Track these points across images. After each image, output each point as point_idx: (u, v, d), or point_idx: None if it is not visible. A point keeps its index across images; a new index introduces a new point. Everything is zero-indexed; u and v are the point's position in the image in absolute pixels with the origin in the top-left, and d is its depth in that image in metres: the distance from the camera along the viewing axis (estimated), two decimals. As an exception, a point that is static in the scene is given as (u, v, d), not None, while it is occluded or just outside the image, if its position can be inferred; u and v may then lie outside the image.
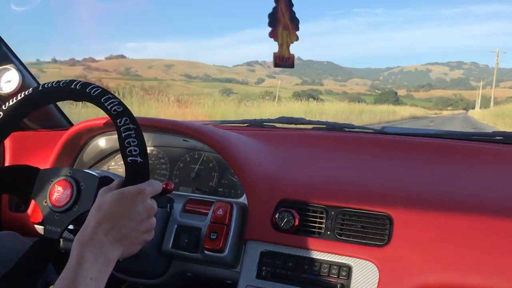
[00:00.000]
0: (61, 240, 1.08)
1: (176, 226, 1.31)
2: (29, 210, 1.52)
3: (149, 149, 1.60)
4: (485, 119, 37.36)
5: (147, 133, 1.50)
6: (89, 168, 1.60)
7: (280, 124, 1.86)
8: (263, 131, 1.75)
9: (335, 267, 1.15)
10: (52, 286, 1.24)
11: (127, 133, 0.99)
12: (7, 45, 1.84)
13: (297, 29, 1.01)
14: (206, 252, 1.26)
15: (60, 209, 1.07)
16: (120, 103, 1.02)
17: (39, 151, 1.71)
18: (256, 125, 1.86)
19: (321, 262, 1.17)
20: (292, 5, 1.02)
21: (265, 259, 1.22)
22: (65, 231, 1.08)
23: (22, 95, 1.11)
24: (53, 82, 1.10)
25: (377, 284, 1.10)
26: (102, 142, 1.59)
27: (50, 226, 1.07)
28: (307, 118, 1.86)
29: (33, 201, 1.47)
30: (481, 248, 1.06)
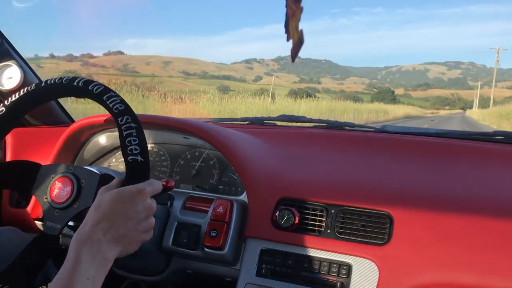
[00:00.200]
0: (60, 236, 1.08)
1: (176, 223, 1.32)
2: (30, 206, 1.52)
3: (149, 146, 1.61)
4: (486, 119, 36.02)
5: (148, 130, 1.50)
6: (90, 164, 1.60)
7: (281, 122, 1.85)
8: (264, 129, 1.75)
9: (335, 265, 1.15)
10: (49, 284, 1.24)
11: (128, 131, 0.99)
12: (9, 42, 1.84)
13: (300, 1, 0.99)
14: (206, 249, 1.26)
15: (60, 206, 1.08)
16: (122, 101, 1.02)
17: (40, 147, 1.71)
18: (256, 123, 1.86)
19: (321, 260, 1.17)
20: None
21: (265, 257, 1.22)
22: (65, 227, 1.08)
23: (25, 91, 1.11)
24: (55, 78, 1.10)
25: (377, 283, 1.10)
26: (103, 139, 1.59)
27: (50, 222, 1.07)
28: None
29: (33, 197, 1.47)
30: (482, 248, 1.07)
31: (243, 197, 1.36)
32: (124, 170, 1.00)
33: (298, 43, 1.04)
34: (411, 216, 1.15)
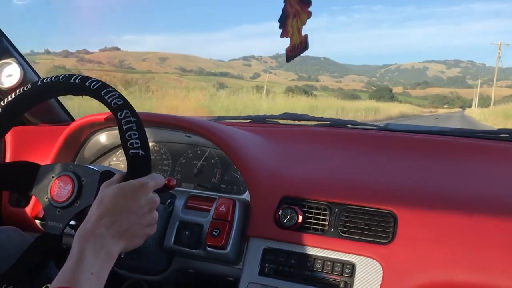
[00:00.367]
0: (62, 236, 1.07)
1: (178, 222, 1.31)
2: (30, 206, 1.51)
3: (150, 144, 1.60)
4: (488, 119, 32.86)
5: (149, 128, 1.49)
6: (90, 164, 1.59)
7: (283, 120, 1.85)
8: (266, 127, 1.74)
9: (338, 264, 1.15)
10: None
11: (128, 126, 0.98)
12: (8, 39, 1.83)
13: (310, 4, 0.97)
14: (208, 248, 1.25)
15: (61, 205, 1.07)
16: (120, 96, 1.01)
17: (40, 146, 1.70)
18: (259, 121, 1.85)
19: (324, 259, 1.16)
20: None
21: (268, 256, 1.21)
22: (67, 227, 1.08)
23: (21, 91, 1.10)
24: (52, 76, 1.09)
25: (380, 282, 1.09)
26: (103, 138, 1.58)
27: (52, 222, 1.06)
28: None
29: (34, 197, 1.46)
30: (487, 247, 1.06)
31: (246, 196, 1.35)
32: (125, 169, 0.99)
33: (299, 46, 1.02)
34: (415, 215, 1.14)
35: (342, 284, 1.13)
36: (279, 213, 1.23)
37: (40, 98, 1.13)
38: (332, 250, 1.17)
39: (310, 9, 0.99)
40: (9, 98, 1.11)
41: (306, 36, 1.01)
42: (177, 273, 1.38)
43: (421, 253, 1.09)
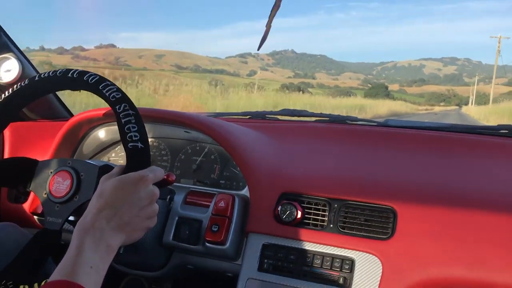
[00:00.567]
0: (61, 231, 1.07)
1: (177, 218, 1.31)
2: (29, 201, 1.51)
3: (150, 140, 1.59)
4: (488, 119, 29.86)
5: (148, 124, 1.49)
6: (89, 159, 1.59)
7: (283, 116, 1.85)
8: (266, 123, 1.74)
9: (337, 260, 1.15)
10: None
11: (127, 119, 0.97)
12: (7, 34, 1.82)
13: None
14: (207, 244, 1.25)
15: (60, 200, 1.06)
16: (119, 90, 1.01)
17: (39, 141, 1.70)
18: (258, 117, 1.85)
19: (324, 255, 1.16)
20: None
21: (267, 252, 1.21)
22: (66, 222, 1.07)
23: (18, 86, 1.10)
24: (49, 71, 1.08)
25: (380, 278, 1.09)
26: (102, 134, 1.57)
27: (51, 217, 1.06)
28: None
29: (32, 193, 1.46)
30: (487, 242, 1.06)
31: (245, 191, 1.35)
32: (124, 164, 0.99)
33: (265, 36, 1.03)
34: (414, 211, 1.14)
35: (341, 280, 1.12)
36: (279, 208, 1.23)
37: (37, 94, 1.12)
38: (331, 245, 1.17)
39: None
40: (6, 94, 1.10)
41: (269, 27, 1.02)
42: (176, 269, 1.38)
43: (421, 248, 1.09)
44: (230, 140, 1.35)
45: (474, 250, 1.06)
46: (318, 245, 1.18)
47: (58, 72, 1.07)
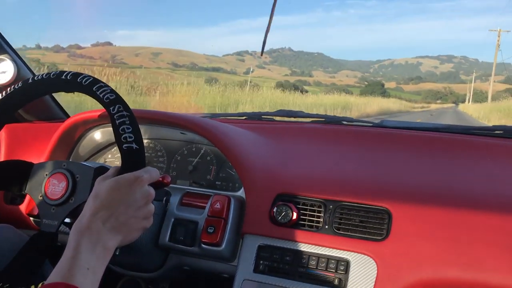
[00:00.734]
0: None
1: (173, 219, 1.31)
2: (25, 203, 1.51)
3: (145, 141, 1.60)
4: (489, 118, 27.59)
5: (144, 125, 1.49)
6: (85, 161, 1.59)
7: (279, 117, 1.85)
8: (261, 124, 1.74)
9: (333, 261, 1.15)
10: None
11: (121, 120, 0.98)
12: (2, 35, 1.81)
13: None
14: (203, 245, 1.25)
15: (56, 202, 1.06)
16: (112, 91, 1.01)
17: (35, 143, 1.69)
18: (254, 118, 1.85)
19: (319, 256, 1.17)
20: None
21: (263, 253, 1.21)
22: (62, 225, 1.07)
23: (12, 89, 1.10)
24: (43, 74, 1.08)
25: (375, 279, 1.09)
26: (98, 135, 1.57)
27: (47, 219, 1.06)
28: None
29: (28, 196, 1.46)
30: (481, 242, 1.06)
31: (241, 193, 1.35)
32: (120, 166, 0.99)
33: (265, 40, 1.04)
34: (409, 212, 1.14)
35: (336, 281, 1.13)
36: (274, 210, 1.23)
37: (31, 96, 1.12)
38: (326, 247, 1.17)
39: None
40: (0, 97, 1.10)
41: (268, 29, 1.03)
42: (172, 270, 1.38)
43: (416, 249, 1.09)
44: (225, 141, 1.36)
45: (469, 251, 1.06)
46: (314, 246, 1.18)
47: (52, 74, 1.07)
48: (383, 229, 1.14)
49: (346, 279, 1.12)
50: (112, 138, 1.58)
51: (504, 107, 31.04)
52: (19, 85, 1.09)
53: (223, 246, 1.24)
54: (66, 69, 1.12)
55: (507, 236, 1.06)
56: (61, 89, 1.09)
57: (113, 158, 1.63)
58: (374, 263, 1.11)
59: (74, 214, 1.03)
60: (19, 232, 1.29)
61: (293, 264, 1.18)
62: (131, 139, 0.97)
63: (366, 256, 1.13)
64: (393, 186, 1.25)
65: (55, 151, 1.49)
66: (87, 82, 1.03)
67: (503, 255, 1.04)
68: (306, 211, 1.23)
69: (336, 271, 1.14)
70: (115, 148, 1.63)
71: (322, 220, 1.20)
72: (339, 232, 1.18)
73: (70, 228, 0.91)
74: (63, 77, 1.05)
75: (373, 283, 1.09)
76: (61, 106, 2.02)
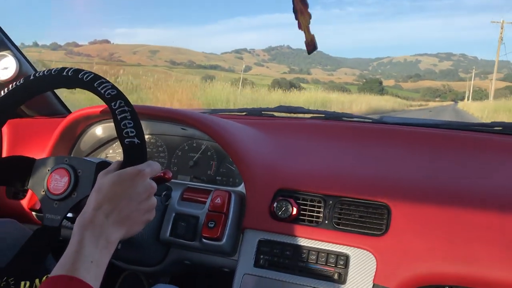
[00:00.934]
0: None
1: (174, 214, 1.32)
2: (27, 198, 1.51)
3: (147, 137, 1.60)
4: (496, 119, 16.44)
5: (145, 121, 1.49)
6: (87, 156, 1.60)
7: (279, 113, 1.85)
8: (262, 120, 1.74)
9: (332, 256, 1.16)
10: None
11: (123, 115, 0.98)
12: (4, 32, 1.82)
13: (307, 6, 0.99)
14: (204, 240, 1.26)
15: (58, 197, 1.07)
16: (113, 87, 1.02)
17: (37, 138, 1.70)
18: (254, 114, 1.85)
19: (319, 251, 1.18)
20: None
21: (263, 248, 1.22)
22: (65, 220, 1.08)
23: (13, 86, 1.10)
24: (44, 70, 1.09)
25: (374, 273, 1.11)
26: (100, 130, 1.58)
27: (50, 214, 1.07)
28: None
29: (30, 191, 1.47)
30: (479, 238, 1.07)
31: (241, 188, 1.36)
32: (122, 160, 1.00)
33: (311, 44, 1.04)
34: (409, 207, 1.15)
35: (336, 276, 1.14)
36: (274, 205, 1.24)
37: (32, 93, 1.13)
38: (326, 241, 1.18)
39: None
40: (2, 94, 1.11)
41: (313, 36, 1.02)
42: (173, 264, 1.39)
43: (415, 244, 1.10)
44: (225, 137, 1.36)
45: (467, 246, 1.07)
46: (313, 241, 1.19)
47: (53, 71, 1.07)
48: (382, 224, 1.15)
49: (346, 274, 1.13)
50: (113, 133, 1.58)
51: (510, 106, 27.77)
52: (21, 81, 1.10)
53: (224, 240, 1.25)
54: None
55: (505, 232, 1.07)
56: (62, 85, 1.10)
57: (114, 153, 1.64)
58: (373, 257, 1.12)
59: (77, 208, 1.04)
60: (23, 226, 1.30)
61: (293, 258, 1.19)
62: (132, 134, 0.98)
63: (365, 251, 1.14)
64: (392, 181, 1.26)
65: (57, 147, 1.50)
66: (88, 78, 1.03)
67: (501, 251, 1.05)
68: (306, 206, 1.23)
69: (335, 266, 1.15)
70: (116, 143, 1.64)
71: (322, 215, 1.21)
72: (338, 227, 1.19)
73: (72, 223, 0.92)
74: (64, 73, 1.06)
75: (372, 278, 1.10)
76: (62, 102, 2.03)
